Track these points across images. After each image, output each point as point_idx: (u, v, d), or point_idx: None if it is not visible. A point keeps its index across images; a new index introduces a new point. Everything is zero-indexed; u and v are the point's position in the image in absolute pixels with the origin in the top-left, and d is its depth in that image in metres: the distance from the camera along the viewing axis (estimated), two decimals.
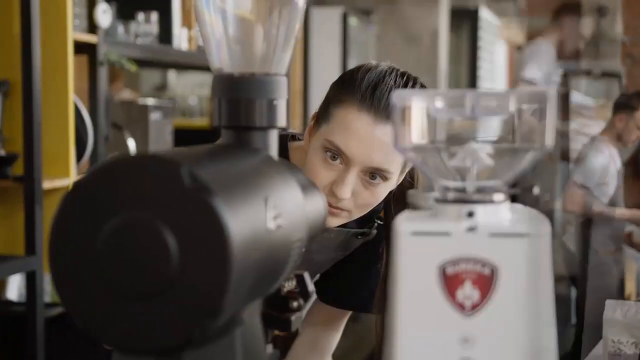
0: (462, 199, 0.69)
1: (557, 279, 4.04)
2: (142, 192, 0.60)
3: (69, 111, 2.47)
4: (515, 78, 4.51)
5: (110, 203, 0.60)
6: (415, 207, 0.76)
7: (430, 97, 0.69)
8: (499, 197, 0.70)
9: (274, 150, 0.80)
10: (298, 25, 0.81)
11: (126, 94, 4.41)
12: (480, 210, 0.68)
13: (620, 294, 4.06)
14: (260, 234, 0.65)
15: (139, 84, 5.63)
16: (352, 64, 6.55)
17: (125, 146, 2.91)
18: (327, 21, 4.66)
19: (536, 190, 4.40)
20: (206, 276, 0.59)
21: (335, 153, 1.25)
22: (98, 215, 0.60)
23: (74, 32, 2.54)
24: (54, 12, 2.46)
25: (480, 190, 0.70)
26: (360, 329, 2.87)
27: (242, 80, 0.79)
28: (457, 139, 0.72)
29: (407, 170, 1.34)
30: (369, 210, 1.31)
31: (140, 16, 3.03)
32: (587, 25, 4.50)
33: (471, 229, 0.66)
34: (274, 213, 0.68)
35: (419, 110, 0.69)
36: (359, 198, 1.27)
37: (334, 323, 1.55)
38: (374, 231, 1.43)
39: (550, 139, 0.67)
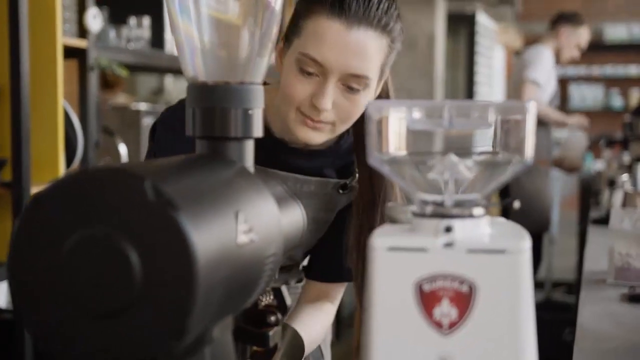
0: (440, 213, 0.67)
1: None
2: (104, 207, 0.57)
3: (58, 116, 2.45)
4: (514, 79, 4.50)
5: (72, 217, 0.58)
6: (393, 221, 0.74)
7: (407, 108, 0.67)
8: (478, 211, 0.67)
9: (249, 160, 0.78)
10: (275, 31, 0.79)
11: (122, 99, 4.38)
12: (458, 225, 0.66)
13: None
14: (230, 249, 0.62)
15: (135, 88, 5.61)
16: None
17: (117, 151, 2.88)
18: None
19: (516, 204, 4.44)
20: (170, 294, 0.56)
21: (310, 65, 1.23)
22: (59, 230, 0.58)
23: (64, 37, 2.51)
24: (43, 17, 2.44)
25: (459, 204, 0.68)
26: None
27: (217, 89, 0.76)
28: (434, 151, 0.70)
29: (384, 78, 1.32)
30: (351, 123, 1.28)
31: (132, 21, 3.01)
32: (586, 34, 4.52)
33: (448, 245, 0.64)
34: (245, 227, 0.66)
35: (395, 121, 0.67)
36: (340, 109, 1.25)
37: (329, 295, 1.49)
38: (356, 185, 1.39)
39: (530, 152, 0.65)
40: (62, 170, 2.48)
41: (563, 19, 4.45)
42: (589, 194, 4.65)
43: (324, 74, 1.23)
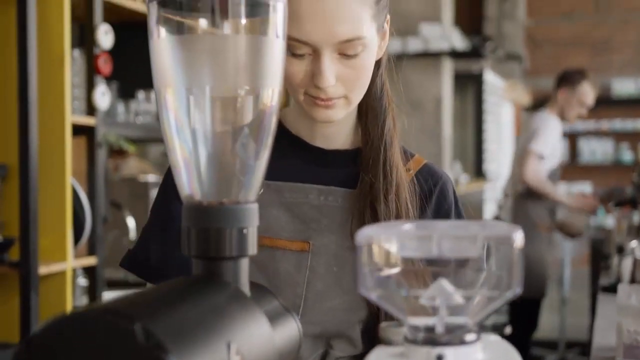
0: (432, 340, 0.67)
1: None
2: (94, 351, 0.58)
3: (66, 195, 2.47)
4: (520, 146, 4.53)
5: None
6: (386, 342, 0.74)
7: (396, 237, 0.67)
8: (470, 337, 0.67)
9: (244, 279, 0.78)
10: (267, 153, 0.80)
11: (133, 163, 4.41)
12: (450, 353, 0.66)
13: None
14: None
15: (146, 152, 5.66)
16: None
17: (125, 225, 2.89)
18: None
19: (508, 329, 4.49)
20: None
21: (298, 48, 1.13)
22: None
23: (73, 115, 2.55)
24: (53, 96, 2.48)
25: (450, 329, 0.68)
26: None
27: (211, 210, 0.77)
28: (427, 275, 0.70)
29: (384, 29, 1.22)
30: (364, 89, 1.18)
31: (141, 95, 3.05)
32: (588, 91, 4.53)
33: None
34: (238, 358, 0.66)
35: (385, 249, 0.68)
36: (346, 80, 1.15)
37: None
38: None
39: (518, 283, 0.65)
40: (70, 248, 2.49)
41: (561, 80, 4.49)
42: (600, 255, 4.62)
43: (315, 51, 1.13)
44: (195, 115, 0.77)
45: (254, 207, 0.79)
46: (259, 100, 0.78)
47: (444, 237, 0.66)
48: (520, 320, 4.47)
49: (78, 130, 2.61)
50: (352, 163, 1.27)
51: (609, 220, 6.94)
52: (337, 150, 1.28)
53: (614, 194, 9.64)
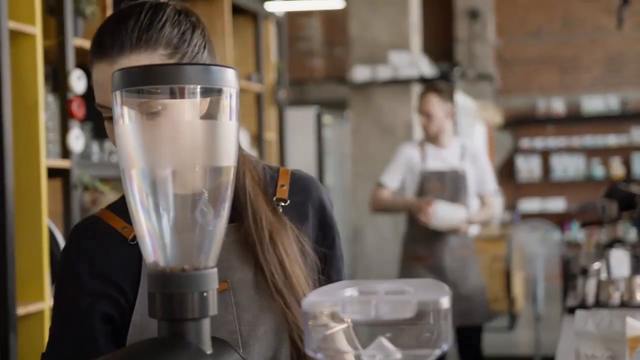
0: None
1: None
2: None
3: (43, 236, 2.53)
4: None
5: None
6: None
7: (340, 303, 0.75)
8: None
9: (206, 338, 0.86)
10: (224, 220, 0.88)
11: (110, 197, 4.45)
12: None
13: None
14: None
15: (121, 186, 5.70)
16: (327, 159, 6.70)
17: None
18: (302, 120, 4.79)
19: None
20: None
21: (105, 112, 1.18)
22: None
23: (48, 159, 2.61)
24: (28, 140, 2.54)
25: None
26: None
27: (174, 277, 0.85)
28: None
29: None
30: None
31: None
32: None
33: None
34: None
35: (328, 314, 0.76)
36: None
37: None
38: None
39: (447, 340, 0.73)
40: (47, 288, 2.55)
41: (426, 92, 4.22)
42: (569, 274, 4.70)
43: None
44: (158, 191, 0.85)
45: (214, 271, 0.87)
46: (216, 175, 0.86)
47: (381, 302, 0.74)
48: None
49: (53, 172, 2.68)
50: None
51: (580, 235, 7.05)
52: None
53: (586, 209, 9.82)
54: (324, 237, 1.35)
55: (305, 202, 1.34)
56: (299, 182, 1.35)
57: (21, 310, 2.44)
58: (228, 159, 0.87)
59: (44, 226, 2.53)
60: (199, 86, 0.85)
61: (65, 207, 2.71)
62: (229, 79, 0.86)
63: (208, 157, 0.86)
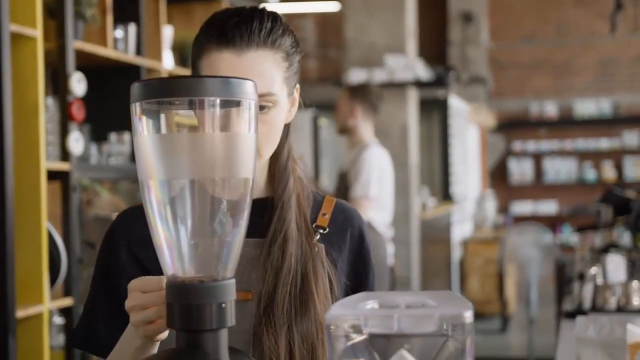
0: None
1: None
2: None
3: (42, 239, 2.53)
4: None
5: None
6: None
7: (362, 316, 0.76)
8: None
9: (223, 348, 0.86)
10: (243, 232, 0.89)
11: (105, 198, 4.44)
12: None
13: None
14: None
15: (117, 186, 5.68)
16: (324, 163, 6.70)
17: None
18: (297, 124, 4.76)
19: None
20: None
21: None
22: None
23: (48, 161, 2.61)
24: (28, 143, 2.54)
25: None
26: None
27: (192, 288, 0.86)
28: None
29: (294, 93, 1.31)
30: (274, 144, 1.26)
31: (113, 137, 3.12)
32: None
33: None
34: None
35: (349, 327, 0.76)
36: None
37: None
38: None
39: (471, 355, 0.74)
40: (46, 291, 2.55)
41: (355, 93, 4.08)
42: (564, 276, 4.70)
43: None
44: (176, 203, 0.86)
45: (232, 283, 0.88)
46: (234, 187, 0.87)
47: (404, 316, 0.75)
48: None
49: (53, 175, 2.67)
50: (265, 211, 1.30)
51: (573, 238, 7.05)
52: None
53: (578, 212, 9.85)
54: (358, 271, 1.35)
55: (344, 233, 1.34)
56: (341, 213, 1.36)
57: (20, 313, 2.44)
58: (247, 171, 0.87)
59: (44, 229, 2.53)
60: (218, 98, 0.85)
61: (65, 209, 2.71)
62: (248, 91, 0.87)
63: (227, 169, 0.86)
